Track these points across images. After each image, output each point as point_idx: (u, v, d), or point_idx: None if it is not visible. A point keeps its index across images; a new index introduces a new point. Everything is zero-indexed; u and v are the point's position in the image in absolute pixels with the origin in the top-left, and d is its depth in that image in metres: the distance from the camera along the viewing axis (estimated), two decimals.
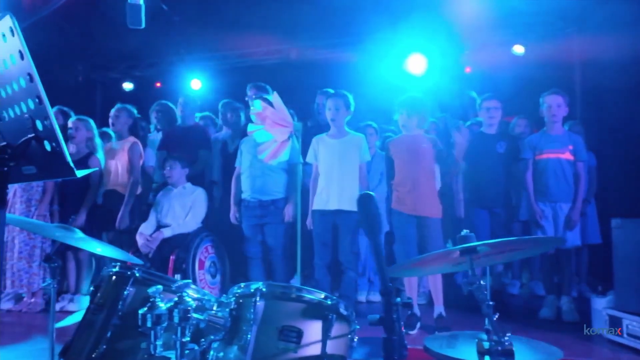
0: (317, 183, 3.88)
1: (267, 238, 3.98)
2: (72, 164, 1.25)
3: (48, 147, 1.29)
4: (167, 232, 4.10)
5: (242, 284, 1.47)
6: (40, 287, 4.34)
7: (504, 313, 3.50)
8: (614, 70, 5.10)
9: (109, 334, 1.42)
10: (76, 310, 4.33)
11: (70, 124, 4.57)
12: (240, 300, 1.40)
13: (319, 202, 3.84)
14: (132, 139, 4.56)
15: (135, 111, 4.69)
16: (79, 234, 2.00)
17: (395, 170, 3.66)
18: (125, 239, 4.45)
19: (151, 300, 1.33)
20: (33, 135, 1.34)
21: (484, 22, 6.24)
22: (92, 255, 4.68)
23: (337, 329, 1.36)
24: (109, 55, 9.13)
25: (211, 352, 1.37)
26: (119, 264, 1.65)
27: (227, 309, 1.38)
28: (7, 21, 1.20)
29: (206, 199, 4.39)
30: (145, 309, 1.32)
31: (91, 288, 1.62)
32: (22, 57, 1.23)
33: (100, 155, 4.59)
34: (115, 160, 4.48)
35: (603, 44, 5.61)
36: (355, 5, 6.27)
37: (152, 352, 1.29)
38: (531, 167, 4.07)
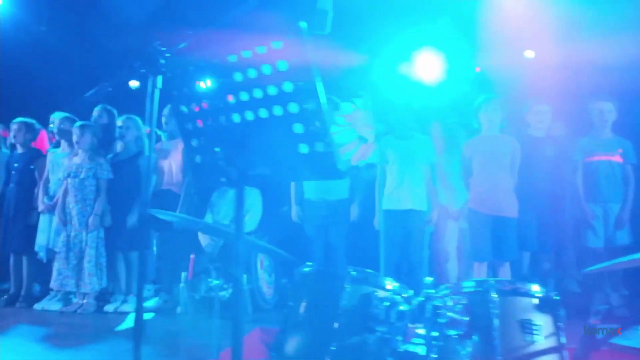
0: (384, 184, 3.93)
1: (331, 238, 4.03)
2: (340, 166, 1.29)
3: (305, 150, 1.33)
4: None
5: (450, 284, 1.54)
6: (96, 288, 4.28)
7: None
8: (627, 74, 5.32)
9: (335, 332, 1.45)
10: (131, 310, 4.28)
11: (120, 122, 4.52)
12: (473, 297, 1.47)
13: (389, 202, 3.90)
14: None
15: None
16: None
17: (474, 171, 3.77)
18: (179, 239, 4.43)
19: (391, 298, 1.39)
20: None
21: (496, 25, 6.40)
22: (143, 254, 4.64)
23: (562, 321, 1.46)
24: (112, 53, 9.01)
25: (435, 348, 1.42)
26: (311, 263, 1.68)
27: (460, 305, 1.44)
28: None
29: (261, 200, 4.41)
30: (388, 304, 1.38)
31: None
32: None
33: (149, 153, 4.55)
34: (169, 160, 4.45)
35: (613, 47, 5.83)
36: (365, 7, 6.33)
37: (394, 347, 1.35)
38: (581, 169, 4.24)
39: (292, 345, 1.53)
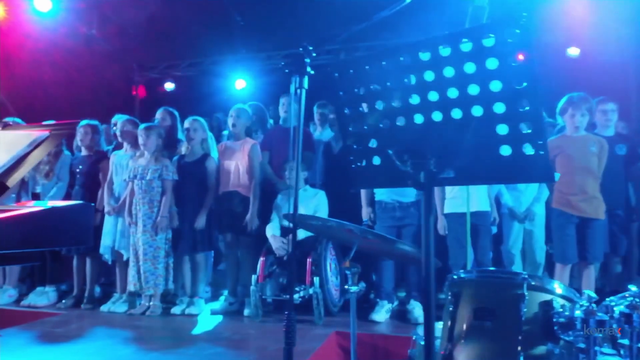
0: (444, 187, 3.88)
1: (405, 240, 3.97)
2: (552, 169, 1.25)
3: (507, 152, 1.28)
4: (300, 235, 4.07)
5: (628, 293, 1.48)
6: (163, 289, 4.28)
7: None
8: None
9: (519, 342, 1.40)
10: (198, 313, 4.27)
11: (187, 124, 4.51)
12: None
13: (453, 205, 3.86)
14: (250, 140, 4.51)
15: (250, 112, 4.65)
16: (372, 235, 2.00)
17: (559, 171, 3.68)
18: (243, 241, 4.41)
19: (585, 306, 1.34)
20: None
21: (539, 23, 6.31)
22: (207, 257, 4.64)
23: None
24: (148, 56, 9.06)
25: None
26: (468, 269, 1.64)
27: None
28: None
29: (327, 201, 4.37)
30: (581, 314, 1.33)
31: (449, 295, 1.60)
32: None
33: (215, 155, 4.54)
34: (235, 161, 4.42)
35: None
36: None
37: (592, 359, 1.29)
38: None
39: (467, 356, 1.47)
